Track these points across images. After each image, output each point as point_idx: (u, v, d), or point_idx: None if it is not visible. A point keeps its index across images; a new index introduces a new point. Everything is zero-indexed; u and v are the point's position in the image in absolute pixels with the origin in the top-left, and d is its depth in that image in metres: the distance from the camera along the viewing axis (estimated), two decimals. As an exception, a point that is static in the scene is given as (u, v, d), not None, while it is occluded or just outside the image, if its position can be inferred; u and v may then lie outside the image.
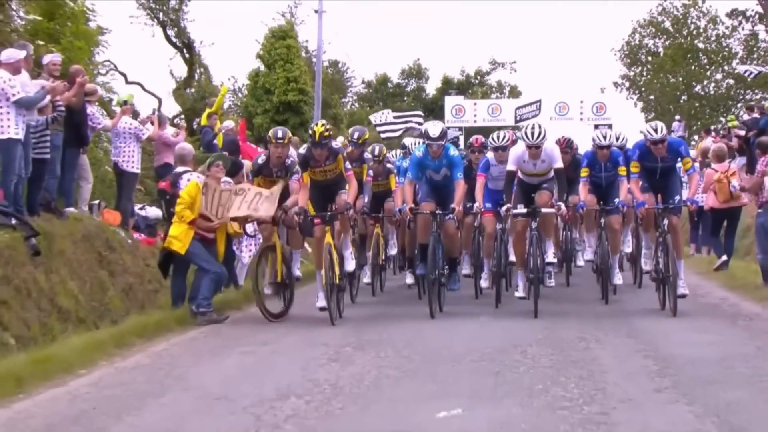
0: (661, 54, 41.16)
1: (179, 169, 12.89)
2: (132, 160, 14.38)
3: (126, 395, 7.08)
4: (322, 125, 11.51)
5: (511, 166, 11.81)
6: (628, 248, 14.14)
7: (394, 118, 29.35)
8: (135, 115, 16.31)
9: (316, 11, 29.90)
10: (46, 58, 13.07)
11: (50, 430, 6.05)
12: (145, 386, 7.44)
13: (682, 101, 40.61)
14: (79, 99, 13.00)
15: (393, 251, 14.99)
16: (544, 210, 11.60)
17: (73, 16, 17.04)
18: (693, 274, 14.36)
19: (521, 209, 11.60)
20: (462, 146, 22.41)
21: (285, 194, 11.97)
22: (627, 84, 41.91)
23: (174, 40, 31.45)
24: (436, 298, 11.53)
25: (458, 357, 8.28)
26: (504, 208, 11.59)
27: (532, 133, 11.57)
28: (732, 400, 6.35)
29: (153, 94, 27.06)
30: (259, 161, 12.38)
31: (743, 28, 39.39)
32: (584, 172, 12.60)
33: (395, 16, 65.26)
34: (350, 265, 11.97)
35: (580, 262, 14.30)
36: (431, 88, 48.78)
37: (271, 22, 32.12)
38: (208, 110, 18.28)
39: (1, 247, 10.44)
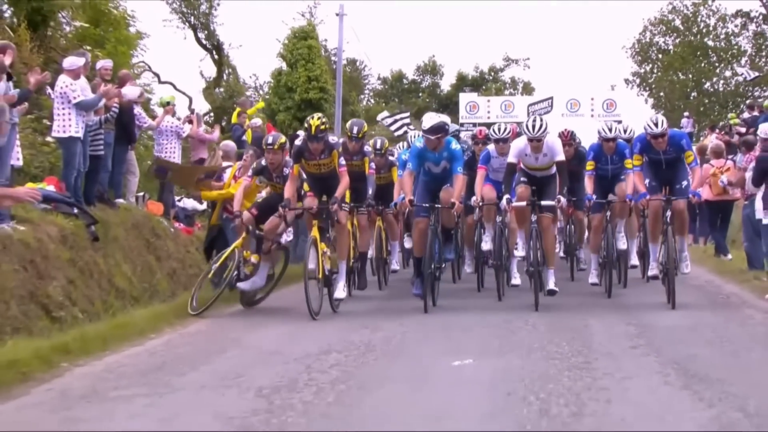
0: (671, 52, 42.29)
1: (224, 163, 14.49)
2: (173, 156, 15.92)
3: (194, 352, 8.65)
4: (318, 119, 11.49)
5: (512, 159, 11.78)
6: (622, 245, 13.45)
7: (388, 124, 30.61)
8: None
9: (337, 14, 31.47)
10: (99, 64, 14.58)
11: (141, 374, 7.61)
12: (209, 345, 9.02)
13: (691, 98, 41.76)
14: (128, 101, 14.56)
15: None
16: (543, 203, 11.54)
17: (115, 22, 18.55)
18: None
19: (521, 203, 11.59)
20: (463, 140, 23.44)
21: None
22: (638, 81, 43.07)
23: (204, 42, 33.20)
24: (430, 293, 11.42)
25: (469, 326, 9.82)
26: (505, 199, 11.57)
27: (533, 126, 11.58)
28: (692, 354, 7.86)
29: (184, 93, 28.50)
30: (263, 162, 12.38)
31: (748, 29, 40.54)
32: (590, 166, 12.65)
33: (410, 13, 66.28)
34: (340, 293, 11.58)
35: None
36: (446, 84, 49.09)
37: (292, 22, 33.62)
38: (238, 109, 19.83)
39: (66, 233, 11.94)
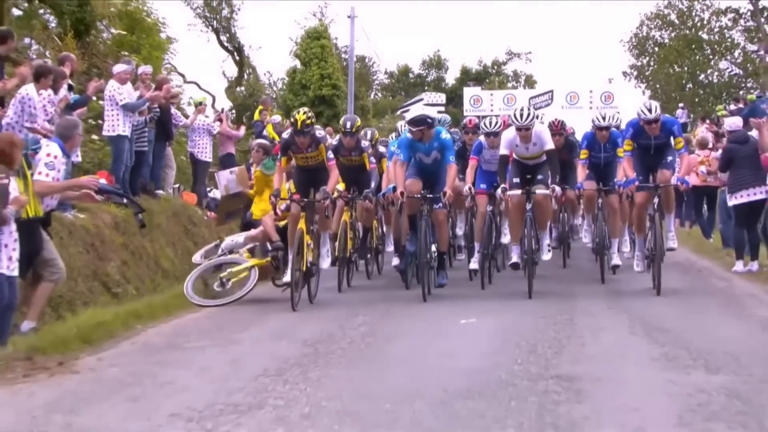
0: (667, 45, 43.60)
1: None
2: (205, 151, 17.56)
3: (244, 316, 10.28)
4: (304, 113, 11.46)
5: (504, 150, 11.84)
6: (586, 238, 13.99)
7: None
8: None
9: (349, 16, 33.21)
10: (140, 69, 16.17)
11: (206, 332, 9.27)
12: (255, 311, 10.65)
13: (687, 89, 43.12)
14: (166, 101, 16.17)
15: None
16: (538, 191, 11.61)
17: (148, 29, 20.17)
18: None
19: (516, 191, 11.65)
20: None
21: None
22: (635, 74, 44.39)
23: (226, 44, 35.19)
24: (427, 281, 11.40)
25: (470, 299, 11.39)
26: (499, 189, 11.69)
27: (521, 115, 11.63)
28: (657, 313, 9.51)
29: (208, 92, 30.26)
30: (284, 136, 12.57)
31: (738, 25, 41.89)
32: (584, 154, 12.69)
33: (416, 8, 67.66)
34: (325, 263, 11.74)
35: (585, 239, 14.23)
36: (450, 78, 50.29)
37: (303, 21, 35.43)
38: (260, 107, 21.47)
39: (118, 220, 13.55)
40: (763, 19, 40.12)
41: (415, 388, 6.36)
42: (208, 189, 18.51)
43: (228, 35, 34.73)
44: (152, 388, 6.72)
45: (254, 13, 57.43)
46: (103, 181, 14.42)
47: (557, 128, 13.59)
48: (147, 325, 9.71)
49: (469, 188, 12.29)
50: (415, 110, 12.56)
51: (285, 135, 12.41)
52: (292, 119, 12.05)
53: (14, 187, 8.56)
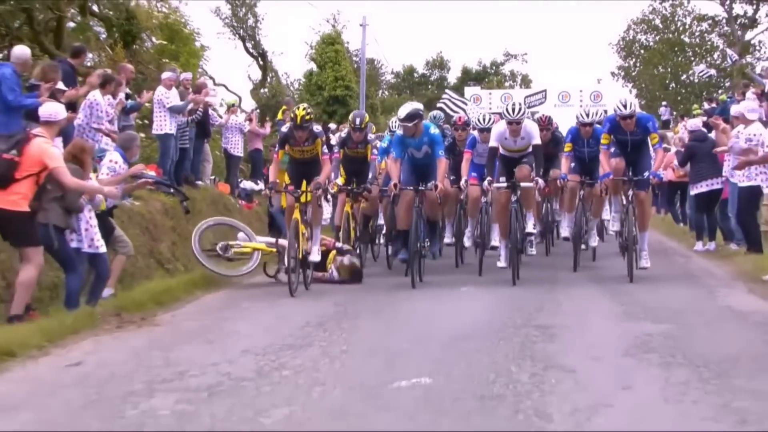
0: (652, 48, 45.02)
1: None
2: (237, 147, 19.00)
3: (280, 289, 11.75)
4: (304, 109, 11.57)
5: (493, 143, 11.91)
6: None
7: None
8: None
9: (361, 25, 34.79)
10: (182, 76, 17.65)
11: (256, 296, 10.76)
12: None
13: (670, 89, 44.54)
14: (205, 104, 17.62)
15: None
16: (523, 184, 11.72)
17: (185, 38, 21.63)
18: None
19: (503, 182, 11.77)
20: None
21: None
22: (622, 74, 45.87)
23: (251, 50, 37.00)
24: (417, 269, 11.59)
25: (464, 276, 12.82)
26: (486, 181, 11.79)
27: (512, 110, 11.75)
28: (625, 282, 10.99)
29: (235, 93, 32.03)
30: (284, 130, 12.29)
31: (713, 31, 43.26)
32: (568, 147, 12.83)
33: (420, 12, 69.18)
34: (315, 257, 11.72)
35: (564, 233, 14.00)
36: (452, 77, 51.91)
37: (318, 27, 37.15)
38: (284, 107, 22.87)
39: (167, 207, 14.98)
40: (736, 26, 41.38)
41: (427, 334, 7.87)
42: (239, 180, 19.95)
43: (253, 42, 36.58)
44: (221, 335, 8.21)
45: (275, 19, 59.58)
46: (152, 173, 16.00)
47: (545, 123, 14.01)
48: (205, 292, 11.20)
49: (466, 180, 12.53)
50: (405, 107, 12.31)
51: (284, 129, 12.42)
52: (291, 114, 12.42)
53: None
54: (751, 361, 6.50)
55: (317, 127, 12.18)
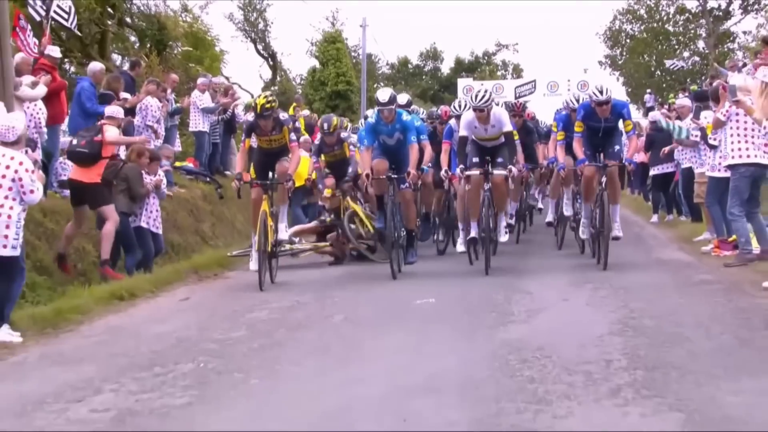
0: (637, 37, 48.01)
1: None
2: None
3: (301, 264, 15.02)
4: (264, 98, 11.58)
5: (462, 132, 11.83)
6: (568, 211, 13.73)
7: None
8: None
9: (361, 26, 38.23)
10: (213, 80, 20.89)
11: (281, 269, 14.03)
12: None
13: (655, 76, 47.50)
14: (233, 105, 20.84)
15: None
16: (496, 172, 11.60)
17: (207, 44, 24.88)
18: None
19: (475, 170, 11.63)
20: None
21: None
22: (609, 63, 48.84)
23: (262, 52, 40.70)
24: (397, 258, 11.69)
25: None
26: (458, 169, 11.75)
27: (476, 96, 11.63)
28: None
29: (247, 91, 35.54)
30: (249, 119, 12.68)
31: (695, 21, 46.30)
32: (560, 136, 12.83)
33: (415, 3, 72.01)
34: (282, 233, 11.91)
35: (549, 218, 14.67)
36: (446, 68, 53.47)
37: (318, 25, 40.69)
38: (294, 104, 26.14)
39: (206, 193, 18.11)
40: (711, 18, 44.61)
41: (405, 303, 9.64)
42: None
43: (263, 44, 40.07)
44: (276, 284, 11.47)
45: (281, 17, 62.91)
46: (190, 165, 19.27)
47: (518, 110, 14.59)
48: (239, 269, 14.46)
49: (446, 171, 12.22)
50: (384, 92, 12.54)
51: (249, 118, 12.58)
52: (253, 104, 12.76)
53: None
54: (653, 284, 9.85)
55: (284, 115, 12.01)
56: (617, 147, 11.89)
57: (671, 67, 38.11)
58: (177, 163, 18.19)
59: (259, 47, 41.02)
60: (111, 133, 12.23)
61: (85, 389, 6.39)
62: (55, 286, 11.21)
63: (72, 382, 6.58)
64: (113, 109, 13.10)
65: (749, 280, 10.02)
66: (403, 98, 14.27)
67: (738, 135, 11.51)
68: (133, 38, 23.42)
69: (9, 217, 8.35)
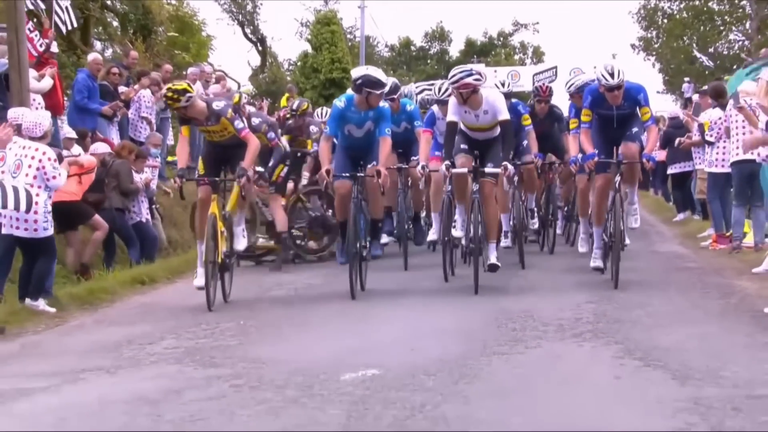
0: (675, 16, 50.12)
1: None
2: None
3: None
4: (168, 89, 11.59)
5: (451, 117, 11.63)
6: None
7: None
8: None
9: (359, 7, 41.43)
10: (204, 68, 24.24)
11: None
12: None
13: (697, 63, 49.84)
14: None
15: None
16: (487, 170, 11.58)
17: (194, 29, 28.13)
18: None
19: (461, 170, 11.65)
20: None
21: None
22: (642, 46, 51.03)
23: (250, 36, 44.33)
24: (357, 274, 11.68)
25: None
26: (444, 165, 11.49)
27: (456, 72, 11.51)
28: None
29: (234, 80, 38.30)
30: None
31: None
32: (573, 124, 12.69)
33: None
34: (241, 243, 12.09)
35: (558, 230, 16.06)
36: (455, 50, 56.06)
37: (310, 3, 44.11)
38: (287, 94, 29.49)
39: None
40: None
41: (401, 290, 13.75)
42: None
43: (252, 27, 43.43)
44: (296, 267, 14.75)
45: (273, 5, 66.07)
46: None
47: (544, 94, 14.89)
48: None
49: (423, 166, 12.29)
50: (359, 71, 12.54)
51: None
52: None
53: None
54: (639, 269, 13.15)
55: (217, 104, 11.58)
56: (635, 129, 11.91)
57: (700, 60, 40.86)
58: (170, 158, 21.32)
59: (247, 31, 44.37)
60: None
61: (151, 337, 9.72)
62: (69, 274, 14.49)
63: (136, 335, 9.89)
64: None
65: (732, 267, 13.42)
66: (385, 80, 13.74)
67: (738, 135, 14.44)
68: (115, 23, 26.59)
69: (36, 203, 11.27)
